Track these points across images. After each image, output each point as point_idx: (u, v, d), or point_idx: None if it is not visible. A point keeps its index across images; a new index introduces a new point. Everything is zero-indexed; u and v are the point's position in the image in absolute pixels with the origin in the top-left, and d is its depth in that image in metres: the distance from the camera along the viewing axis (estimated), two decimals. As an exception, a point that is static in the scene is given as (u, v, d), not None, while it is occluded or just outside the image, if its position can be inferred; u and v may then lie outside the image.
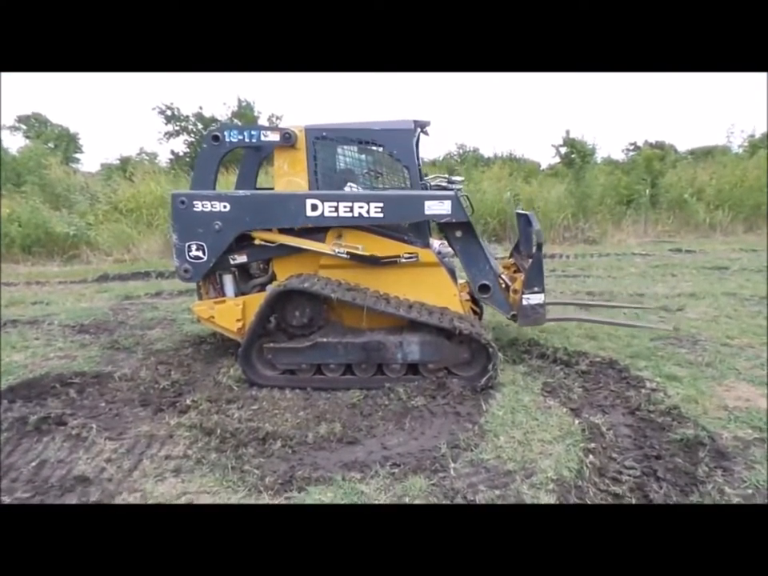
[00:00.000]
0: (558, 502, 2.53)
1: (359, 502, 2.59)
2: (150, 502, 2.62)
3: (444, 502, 2.58)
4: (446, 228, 4.20)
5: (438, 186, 4.52)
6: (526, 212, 4.61)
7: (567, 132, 14.33)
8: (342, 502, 2.58)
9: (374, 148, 4.23)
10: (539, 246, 4.08)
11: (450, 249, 4.48)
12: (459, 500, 2.58)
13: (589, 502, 2.51)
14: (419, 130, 4.28)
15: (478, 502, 2.54)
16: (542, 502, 2.52)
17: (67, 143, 21.22)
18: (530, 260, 4.18)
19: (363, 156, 4.36)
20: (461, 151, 20.08)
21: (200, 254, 4.13)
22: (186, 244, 4.11)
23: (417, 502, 2.59)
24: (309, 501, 2.60)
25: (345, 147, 4.21)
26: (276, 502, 2.60)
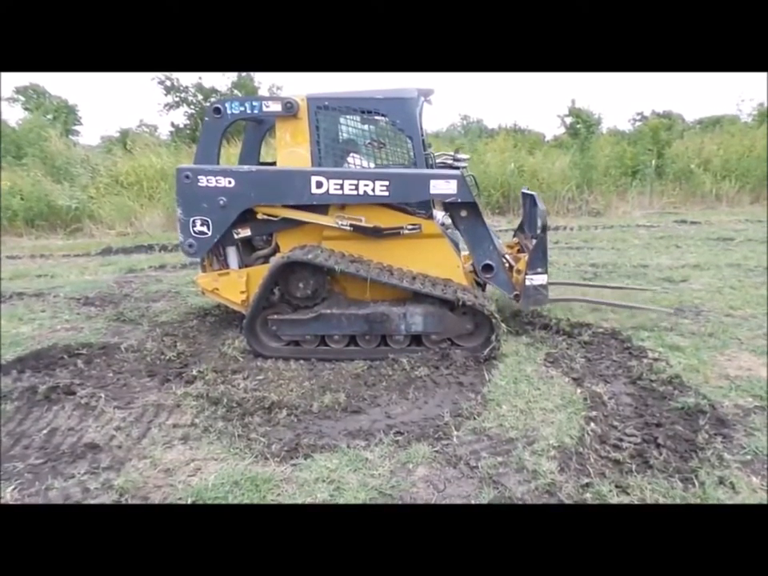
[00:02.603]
0: (559, 469, 2.58)
1: (363, 469, 2.64)
2: (158, 468, 2.68)
3: (447, 468, 2.63)
4: (451, 207, 4.17)
5: (444, 163, 4.49)
6: (532, 192, 4.57)
7: (573, 102, 14.14)
8: (347, 470, 2.64)
9: (377, 118, 4.17)
10: (544, 227, 4.06)
11: (453, 220, 4.46)
12: (462, 466, 2.64)
13: (590, 469, 2.56)
14: (423, 99, 4.22)
15: (480, 469, 2.60)
16: (544, 469, 2.57)
17: (66, 115, 20.90)
18: (534, 241, 4.17)
19: (366, 126, 4.31)
20: (464, 122, 19.85)
21: (204, 229, 4.12)
22: (191, 219, 4.10)
23: (420, 468, 2.65)
24: (314, 468, 2.65)
25: (347, 117, 4.15)
26: (282, 469, 2.66)
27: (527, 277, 4.10)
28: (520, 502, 2.37)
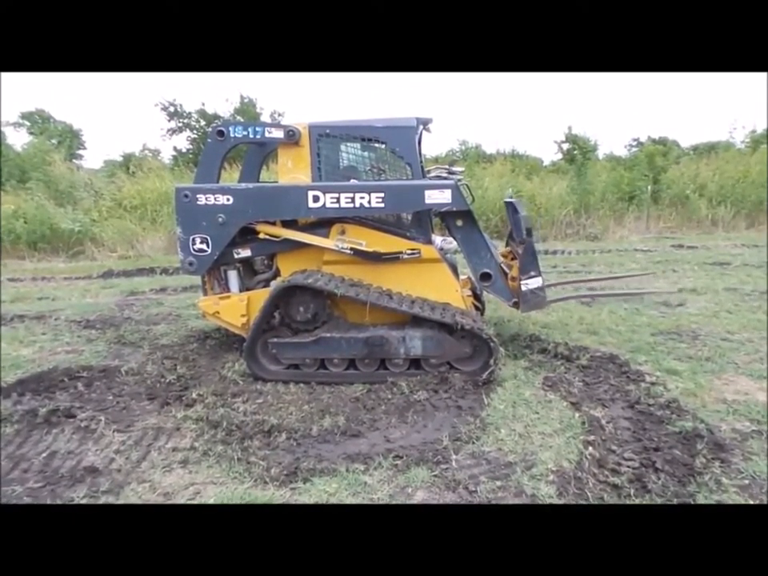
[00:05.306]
0: (557, 493, 2.58)
1: (363, 493, 2.64)
2: (158, 492, 2.68)
3: (446, 493, 2.63)
4: (446, 217, 4.23)
5: (438, 176, 4.56)
6: (512, 200, 4.64)
7: (569, 128, 14.36)
8: (346, 494, 2.64)
9: (377, 145, 4.27)
10: (529, 232, 4.12)
11: (451, 245, 4.52)
12: (461, 490, 2.64)
13: (588, 493, 2.56)
14: (421, 126, 4.32)
15: (479, 493, 2.60)
16: (542, 493, 2.58)
17: (71, 139, 21.25)
18: (523, 246, 4.22)
19: (366, 153, 4.40)
20: (463, 147, 20.06)
21: (204, 246, 4.17)
22: (191, 237, 4.16)
23: (419, 492, 2.65)
24: (314, 491, 2.65)
25: (348, 144, 4.24)
26: (281, 493, 2.66)
27: (522, 282, 4.14)
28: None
